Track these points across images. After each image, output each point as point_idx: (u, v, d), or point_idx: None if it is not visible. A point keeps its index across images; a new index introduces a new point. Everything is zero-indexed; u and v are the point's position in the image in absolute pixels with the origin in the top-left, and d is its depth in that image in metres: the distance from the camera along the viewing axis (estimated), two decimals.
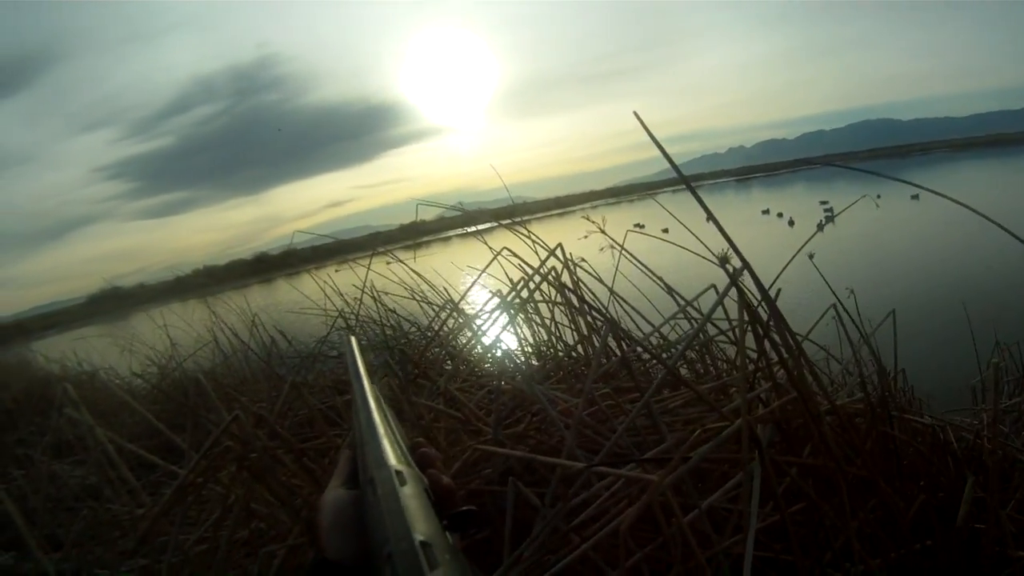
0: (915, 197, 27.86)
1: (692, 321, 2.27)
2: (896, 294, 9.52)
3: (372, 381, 0.85)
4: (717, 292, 1.98)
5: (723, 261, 1.85)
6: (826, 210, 22.85)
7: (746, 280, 1.53)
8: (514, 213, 3.31)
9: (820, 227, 20.10)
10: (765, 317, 1.48)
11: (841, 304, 2.16)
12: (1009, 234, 1.63)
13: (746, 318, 1.34)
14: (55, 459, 3.05)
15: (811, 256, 2.30)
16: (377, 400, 0.81)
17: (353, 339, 0.95)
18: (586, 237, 2.65)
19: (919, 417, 2.05)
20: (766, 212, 28.56)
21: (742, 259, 1.45)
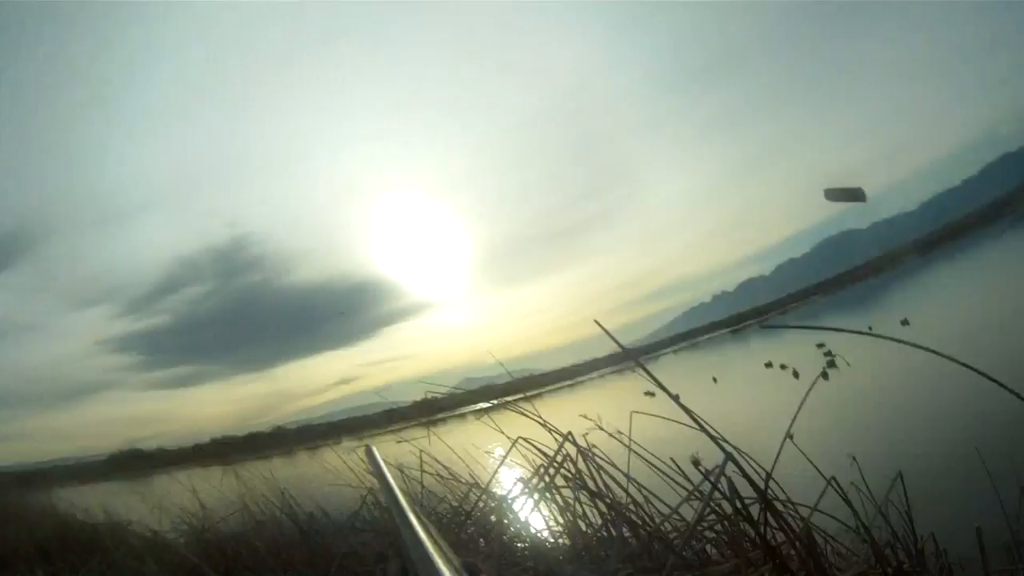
0: (905, 322, 27.92)
1: (710, 503, 2.40)
2: (908, 447, 9.33)
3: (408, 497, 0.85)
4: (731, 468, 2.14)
5: (695, 462, 2.06)
6: (825, 354, 22.93)
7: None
8: (522, 388, 3.54)
9: (825, 376, 20.14)
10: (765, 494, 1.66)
11: (835, 484, 2.27)
12: (990, 379, 1.83)
13: (739, 503, 1.53)
14: None
15: (791, 437, 2.46)
16: (417, 513, 0.80)
17: (375, 449, 0.96)
18: (586, 435, 2.82)
19: None
20: (769, 366, 28.56)
21: (721, 445, 1.65)
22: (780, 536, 2.02)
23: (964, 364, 1.97)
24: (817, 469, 2.44)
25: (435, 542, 0.74)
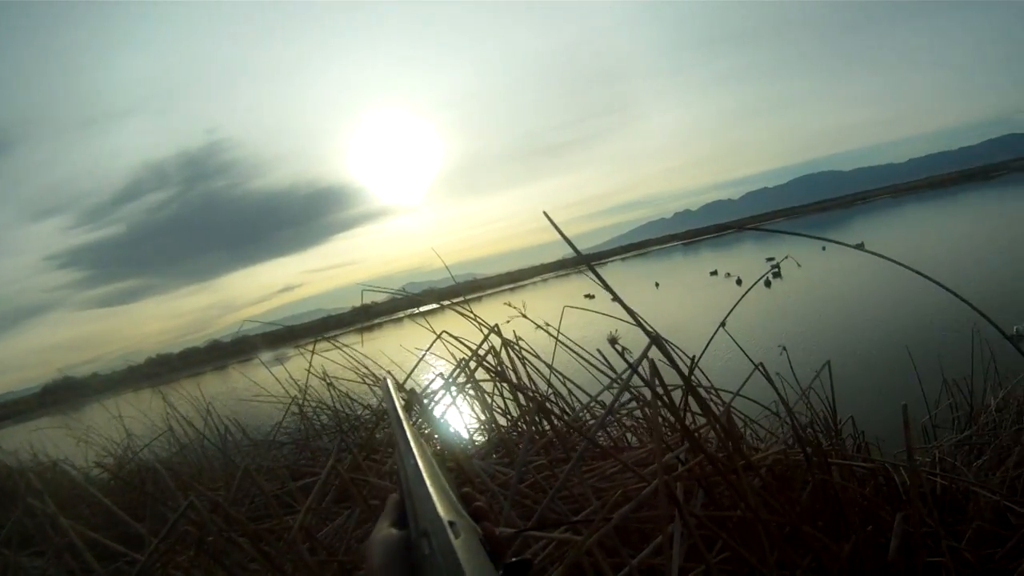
0: (859, 246, 29.13)
1: (629, 389, 2.39)
2: (841, 345, 9.89)
3: (414, 427, 0.82)
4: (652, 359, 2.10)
5: (612, 340, 2.00)
6: (772, 267, 23.69)
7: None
8: (463, 292, 3.45)
9: (767, 283, 20.87)
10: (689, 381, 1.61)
11: (762, 368, 2.28)
12: (934, 281, 1.82)
13: (658, 385, 1.47)
14: (16, 551, 2.95)
15: (723, 325, 2.45)
16: (422, 447, 0.78)
17: (391, 382, 0.94)
18: (508, 322, 2.77)
19: (862, 462, 2.17)
20: (714, 273, 29.42)
21: (648, 331, 1.58)
22: (701, 421, 2.00)
23: (907, 266, 1.98)
24: (745, 353, 2.44)
25: (437, 478, 0.71)
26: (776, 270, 22.96)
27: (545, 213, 1.62)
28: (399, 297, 3.67)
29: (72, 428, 6.44)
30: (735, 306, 2.60)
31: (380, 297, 4.28)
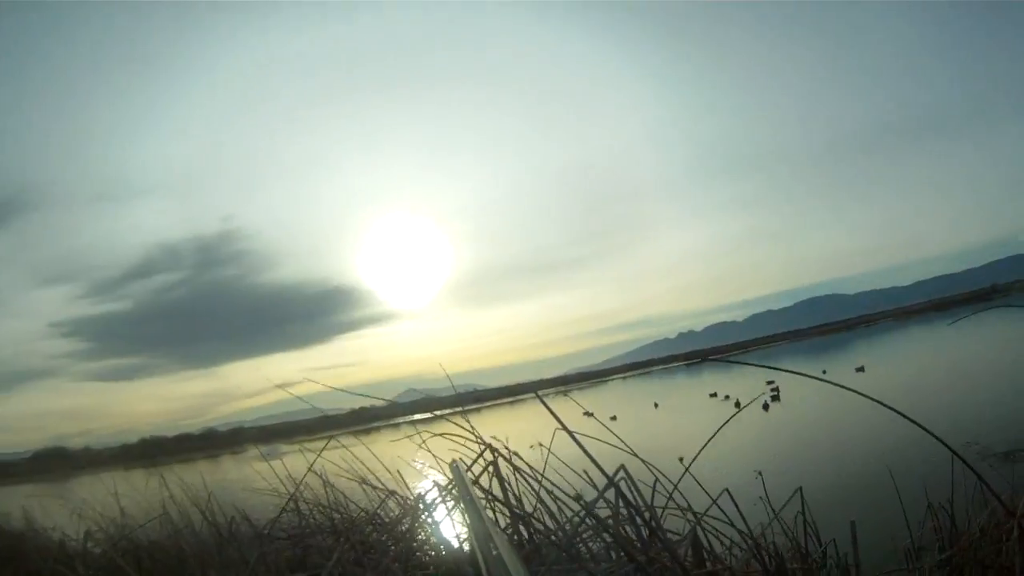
0: (860, 369, 29.06)
1: (595, 509, 2.52)
2: (831, 468, 9.85)
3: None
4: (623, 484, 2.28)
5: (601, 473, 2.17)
6: (772, 390, 23.63)
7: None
8: (462, 402, 3.62)
9: (765, 407, 20.74)
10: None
11: (728, 493, 2.43)
12: (918, 426, 2.00)
13: (621, 507, 1.64)
14: None
15: (679, 459, 2.61)
16: (500, 532, 0.78)
17: (461, 465, 0.91)
18: (499, 439, 2.91)
19: None
20: (713, 395, 29.27)
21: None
22: (676, 537, 2.13)
23: (888, 407, 2.18)
24: (705, 493, 2.58)
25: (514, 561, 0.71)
26: (775, 393, 22.90)
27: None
28: (401, 401, 3.83)
29: (66, 498, 6.40)
30: (717, 432, 2.77)
31: (379, 401, 4.43)
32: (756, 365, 2.52)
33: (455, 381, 3.83)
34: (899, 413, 2.11)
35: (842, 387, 2.30)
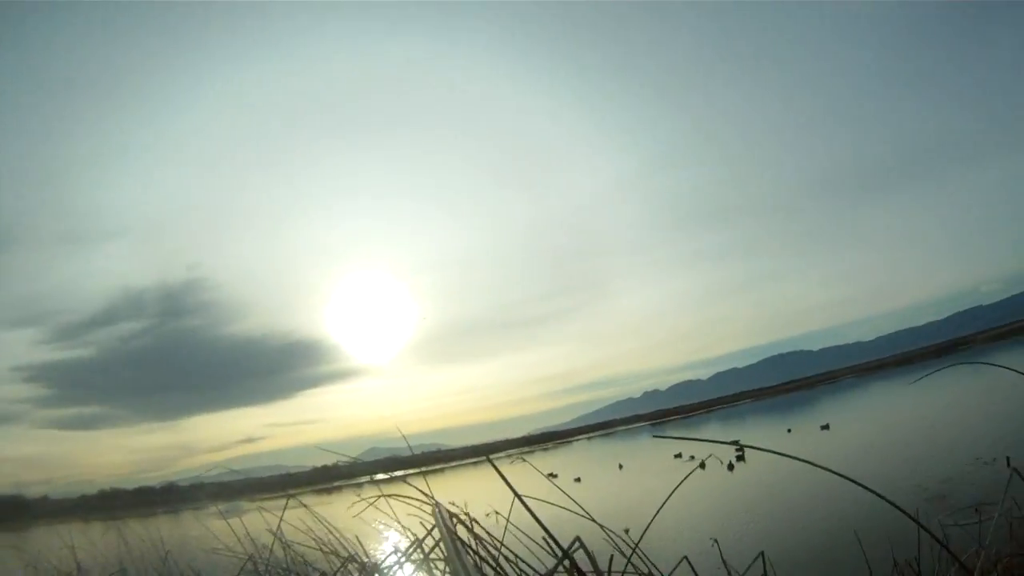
0: (825, 427, 29.48)
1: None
2: (794, 528, 9.89)
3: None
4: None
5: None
6: (737, 450, 23.78)
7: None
8: (427, 462, 3.62)
9: (730, 467, 20.83)
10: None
11: (689, 563, 2.46)
12: (866, 490, 2.09)
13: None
14: None
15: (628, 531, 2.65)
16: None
17: (443, 511, 0.87)
18: (466, 510, 2.91)
19: None
20: (678, 456, 29.33)
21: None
22: None
23: (836, 473, 2.26)
24: (666, 558, 2.61)
25: None
26: (740, 453, 23.02)
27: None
28: (364, 459, 3.80)
29: (22, 549, 6.16)
30: (669, 496, 2.81)
31: (343, 458, 4.39)
32: (707, 440, 2.58)
33: (421, 440, 3.88)
34: (855, 483, 2.18)
35: (792, 457, 2.36)
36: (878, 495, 2.28)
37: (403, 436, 3.84)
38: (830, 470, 2.33)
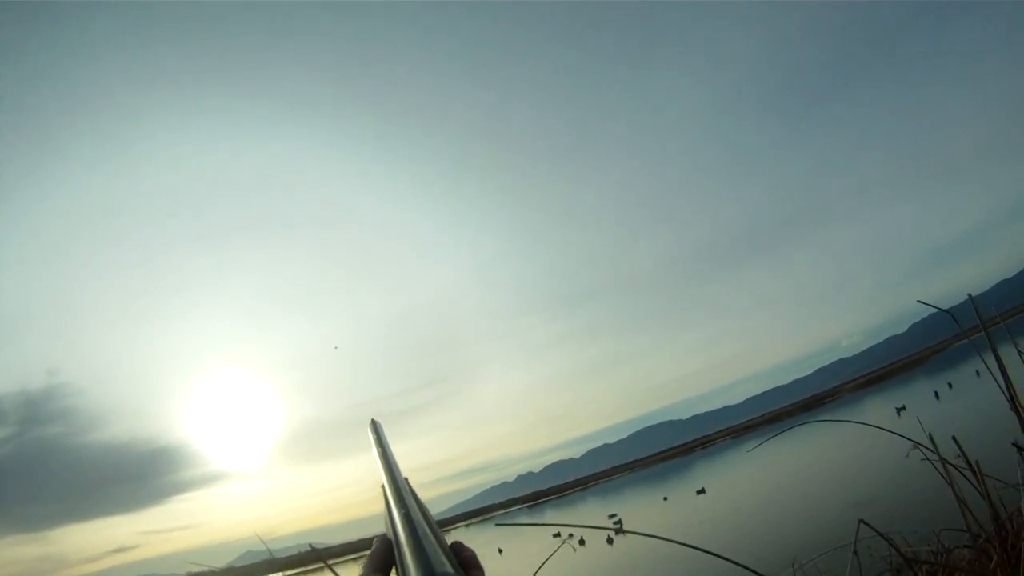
0: (701, 491, 30.58)
1: None
2: None
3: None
4: None
5: None
6: (615, 523, 24.14)
7: None
8: (303, 563, 3.45)
9: (610, 540, 21.02)
10: None
11: None
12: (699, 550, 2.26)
13: None
14: None
15: None
16: (412, 494, 0.75)
17: (382, 425, 0.88)
18: None
19: None
20: (557, 535, 29.16)
21: None
22: None
23: (697, 548, 2.45)
24: None
25: (427, 527, 0.69)
26: (618, 526, 23.38)
27: None
28: (240, 564, 3.56)
29: None
30: (540, 566, 2.88)
31: (220, 563, 4.04)
32: (553, 525, 2.70)
33: (298, 539, 3.68)
34: (718, 556, 2.38)
35: (643, 535, 2.55)
36: (741, 566, 2.50)
37: (262, 541, 3.64)
38: (691, 546, 2.53)
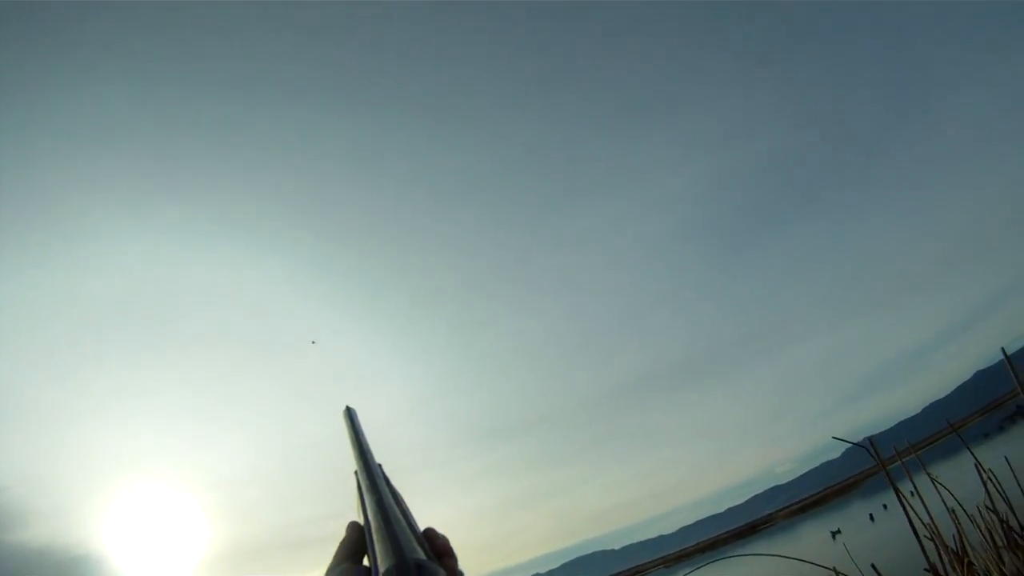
0: None
1: None
2: None
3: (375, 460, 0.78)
4: None
5: None
6: None
7: None
8: None
9: None
10: None
11: None
12: None
13: None
14: None
15: None
16: (385, 480, 0.75)
17: (356, 412, 0.87)
18: None
19: None
20: None
21: None
22: None
23: None
24: None
25: (400, 513, 0.72)
26: None
27: None
28: None
29: None
30: None
31: None
32: None
33: None
34: None
35: None
36: None
37: None
38: None
